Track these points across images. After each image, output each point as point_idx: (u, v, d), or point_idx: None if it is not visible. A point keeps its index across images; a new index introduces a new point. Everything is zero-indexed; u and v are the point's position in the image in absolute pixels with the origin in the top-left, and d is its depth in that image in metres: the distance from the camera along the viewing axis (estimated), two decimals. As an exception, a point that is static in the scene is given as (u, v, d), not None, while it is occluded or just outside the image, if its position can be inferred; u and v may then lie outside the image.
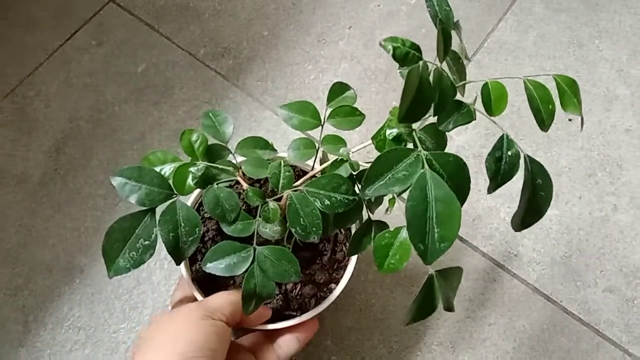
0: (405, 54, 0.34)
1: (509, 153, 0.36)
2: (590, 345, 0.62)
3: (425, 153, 0.33)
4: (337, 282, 0.51)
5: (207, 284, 0.50)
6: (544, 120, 0.37)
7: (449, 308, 0.40)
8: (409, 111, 0.32)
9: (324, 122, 0.46)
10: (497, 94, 0.38)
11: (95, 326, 0.62)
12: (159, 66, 0.76)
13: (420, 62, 0.31)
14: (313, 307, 0.50)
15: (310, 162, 0.49)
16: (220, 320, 0.44)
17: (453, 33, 0.38)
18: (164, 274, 0.64)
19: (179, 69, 0.76)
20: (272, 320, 0.49)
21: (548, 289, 0.64)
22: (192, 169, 0.42)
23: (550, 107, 0.37)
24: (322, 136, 0.46)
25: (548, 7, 0.80)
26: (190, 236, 0.40)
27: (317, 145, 0.46)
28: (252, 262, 0.42)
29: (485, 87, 0.38)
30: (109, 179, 0.68)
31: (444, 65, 0.37)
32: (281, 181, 0.42)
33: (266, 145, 0.48)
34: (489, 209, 0.67)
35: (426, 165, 0.32)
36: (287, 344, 0.49)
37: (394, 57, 0.33)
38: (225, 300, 0.45)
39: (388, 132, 0.38)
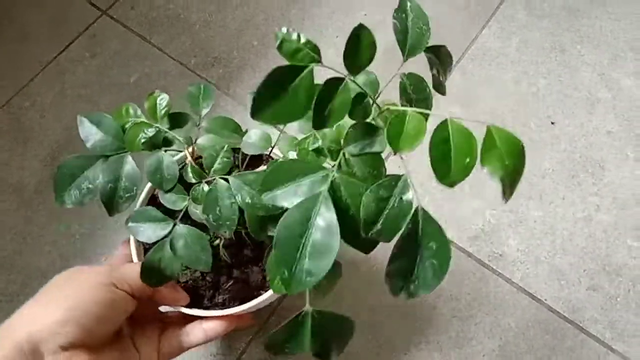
0: (295, 51, 0.31)
1: (402, 198, 0.31)
2: (575, 342, 0.63)
3: (336, 175, 0.31)
4: (266, 290, 0.49)
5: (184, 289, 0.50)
6: (448, 171, 0.30)
7: (320, 355, 0.35)
8: (315, 119, 0.29)
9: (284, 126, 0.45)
10: (410, 128, 0.32)
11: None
12: (151, 76, 0.78)
13: (311, 66, 0.29)
14: (234, 307, 0.48)
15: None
16: (124, 290, 0.43)
17: (423, 58, 0.38)
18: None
19: (171, 79, 0.77)
20: (194, 306, 0.48)
21: (532, 287, 0.66)
22: (145, 130, 0.43)
23: (468, 160, 0.30)
24: (280, 135, 0.45)
25: (531, 14, 0.82)
26: (127, 193, 0.42)
27: (273, 142, 0.45)
28: (166, 236, 0.42)
29: (397, 117, 0.32)
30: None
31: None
32: (215, 165, 0.42)
33: (236, 129, 0.47)
34: (473, 210, 0.69)
35: (325, 188, 0.30)
36: (194, 332, 0.48)
37: (280, 50, 0.31)
38: (136, 271, 0.44)
39: (311, 143, 0.38)
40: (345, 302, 0.64)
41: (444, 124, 0.30)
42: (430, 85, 0.39)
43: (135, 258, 0.49)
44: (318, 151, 0.37)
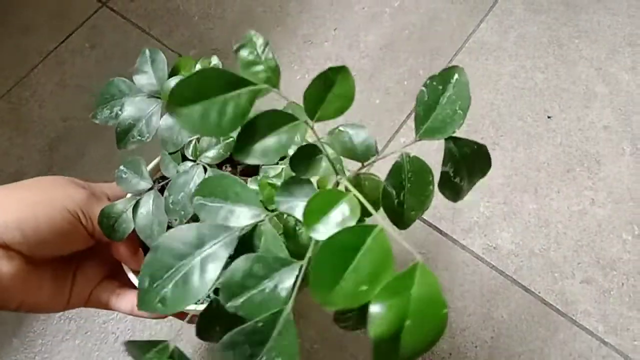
0: (250, 63, 0.28)
1: (278, 286, 0.27)
2: (568, 335, 0.63)
3: (265, 224, 0.29)
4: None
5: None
6: (328, 291, 0.23)
7: None
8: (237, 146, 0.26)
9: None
10: (314, 206, 0.26)
11: (86, 317, 0.64)
12: (150, 67, 0.78)
13: (260, 86, 0.25)
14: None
15: None
16: (85, 226, 0.41)
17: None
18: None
19: (170, 70, 0.78)
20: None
21: (526, 280, 0.66)
22: (200, 63, 0.44)
23: (364, 288, 0.23)
24: None
25: (528, 8, 0.82)
26: (139, 135, 0.43)
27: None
28: (137, 195, 0.42)
29: (323, 197, 0.26)
30: (101, 178, 0.71)
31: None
32: (210, 151, 0.41)
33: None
34: (468, 203, 0.69)
35: (244, 226, 0.28)
36: (124, 300, 0.45)
37: (235, 54, 0.28)
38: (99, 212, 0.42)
39: (275, 177, 0.36)
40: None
41: (363, 228, 0.24)
42: (436, 183, 0.32)
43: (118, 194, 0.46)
44: (275, 188, 0.34)
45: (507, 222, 0.69)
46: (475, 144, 0.31)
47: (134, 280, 0.45)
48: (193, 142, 0.42)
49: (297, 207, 0.29)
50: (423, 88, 0.30)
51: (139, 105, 0.43)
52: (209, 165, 0.41)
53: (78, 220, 0.41)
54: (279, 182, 0.34)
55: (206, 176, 0.40)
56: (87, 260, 0.45)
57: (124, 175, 0.43)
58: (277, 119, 0.26)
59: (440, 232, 0.68)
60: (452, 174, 0.31)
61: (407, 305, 0.22)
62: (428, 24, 0.79)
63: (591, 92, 0.76)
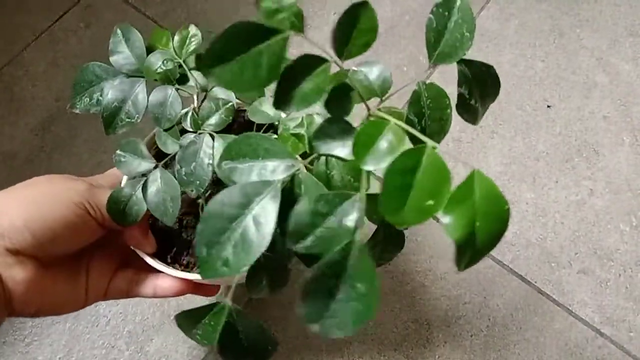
0: (274, 11, 0.28)
1: (343, 221, 0.28)
2: (564, 325, 0.63)
3: (302, 172, 0.29)
4: None
5: (163, 245, 0.47)
6: (400, 208, 0.26)
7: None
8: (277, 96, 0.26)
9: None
10: (388, 144, 0.28)
11: (77, 300, 0.63)
12: (145, 48, 0.77)
13: (288, 33, 0.25)
14: (194, 273, 0.46)
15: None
16: (94, 217, 0.41)
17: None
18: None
19: (165, 52, 0.77)
20: (159, 258, 0.45)
21: (523, 269, 0.65)
22: (165, 58, 0.42)
23: (430, 203, 0.26)
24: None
25: (530, -4, 0.81)
26: (128, 117, 0.42)
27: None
28: (144, 175, 0.41)
29: (372, 126, 0.28)
30: (93, 158, 0.70)
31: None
32: (211, 119, 0.41)
33: None
34: (466, 191, 0.69)
35: (282, 178, 0.28)
36: (145, 284, 0.45)
37: (256, 4, 0.28)
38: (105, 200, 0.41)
39: (296, 127, 0.36)
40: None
41: (417, 150, 0.25)
42: (454, 105, 0.34)
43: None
44: (299, 137, 0.35)
45: (505, 211, 0.68)
46: (484, 65, 0.33)
47: (152, 262, 0.44)
48: (190, 113, 0.41)
49: (336, 147, 0.29)
50: (430, 16, 0.32)
51: (121, 87, 0.42)
52: (215, 132, 0.40)
53: (86, 211, 0.40)
54: (302, 131, 0.34)
55: (215, 143, 0.39)
56: (98, 253, 0.45)
57: (122, 159, 0.42)
58: (311, 63, 0.26)
59: (437, 220, 0.67)
60: (467, 96, 0.33)
61: (474, 209, 0.24)
62: (429, 10, 0.77)
63: (591, 82, 0.76)
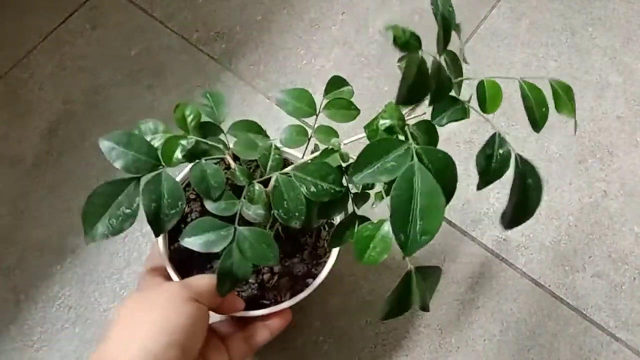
0: (405, 42, 0.33)
1: (500, 151, 0.36)
2: (578, 330, 0.62)
3: (415, 146, 0.33)
4: (314, 277, 0.50)
5: (182, 266, 0.50)
6: (536, 121, 0.38)
7: (424, 308, 0.39)
8: (406, 95, 0.32)
9: (318, 112, 0.47)
10: (492, 92, 0.38)
11: (86, 305, 0.62)
12: (152, 50, 0.76)
13: (420, 52, 0.31)
14: (288, 299, 0.50)
15: (300, 153, 0.50)
16: (204, 304, 0.43)
17: (453, 34, 0.39)
18: (154, 254, 0.65)
19: (173, 53, 0.76)
20: (245, 309, 0.49)
21: (536, 273, 0.64)
22: (182, 142, 0.42)
23: (544, 109, 0.38)
24: (316, 126, 0.46)
25: (542, -6, 0.80)
26: (172, 209, 0.40)
27: (310, 133, 0.47)
28: (232, 242, 0.42)
29: (480, 85, 0.38)
30: (102, 161, 0.69)
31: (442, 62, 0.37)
32: (270, 162, 0.43)
33: (259, 130, 0.48)
34: (478, 194, 0.68)
35: (415, 159, 0.32)
36: (258, 333, 0.49)
37: (395, 43, 0.33)
38: (208, 283, 0.44)
39: (381, 122, 0.38)
40: (345, 283, 0.63)
41: (520, 85, 0.38)
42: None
43: (173, 275, 0.48)
44: (389, 129, 0.38)
45: (518, 213, 0.67)
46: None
47: (254, 313, 0.48)
48: (233, 171, 0.43)
49: (458, 111, 0.39)
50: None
51: (147, 188, 0.40)
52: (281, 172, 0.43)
53: (202, 303, 0.43)
54: (387, 124, 0.39)
55: (298, 172, 0.42)
56: (206, 339, 0.46)
57: (199, 241, 0.43)
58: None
59: (450, 222, 0.66)
60: None
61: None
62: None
63: (604, 82, 0.75)
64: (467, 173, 0.68)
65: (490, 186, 0.67)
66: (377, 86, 0.74)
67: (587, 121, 0.72)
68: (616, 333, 0.62)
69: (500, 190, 0.68)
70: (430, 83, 0.33)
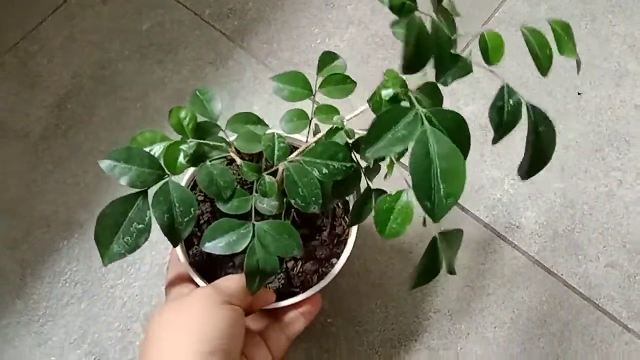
0: (401, 5, 0.32)
1: (511, 102, 0.36)
2: (590, 320, 0.61)
3: (423, 110, 0.32)
4: (338, 257, 0.50)
5: (205, 269, 0.49)
6: (542, 64, 0.38)
7: (451, 271, 0.39)
8: (410, 62, 0.31)
9: (315, 92, 0.46)
10: (494, 43, 0.38)
11: (92, 281, 0.62)
12: (164, 25, 0.75)
13: (416, 13, 0.30)
14: (316, 283, 0.49)
15: (303, 136, 0.49)
16: (238, 305, 0.43)
17: None
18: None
19: (184, 29, 0.74)
20: (276, 300, 0.48)
21: (549, 261, 0.63)
22: (183, 147, 0.41)
23: (548, 51, 0.38)
24: (315, 106, 0.45)
25: (562, -21, 0.79)
26: (185, 216, 0.39)
27: (310, 115, 0.46)
28: (252, 238, 0.41)
29: (482, 37, 0.38)
30: (111, 136, 0.68)
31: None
32: (276, 152, 0.41)
33: (257, 120, 0.47)
34: (492, 180, 0.67)
35: (426, 123, 0.31)
36: (293, 321, 0.48)
37: (391, 8, 0.32)
38: (237, 283, 0.44)
39: (384, 93, 0.37)
40: (355, 266, 0.63)
41: (522, 31, 0.38)
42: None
43: (198, 280, 0.47)
44: (393, 98, 0.37)
45: (532, 200, 0.66)
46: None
47: (285, 303, 0.48)
48: (240, 167, 0.42)
49: (463, 68, 0.37)
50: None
51: (156, 200, 0.39)
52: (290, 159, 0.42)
53: (237, 304, 0.43)
54: (390, 93, 0.38)
55: (306, 156, 0.41)
56: (245, 338, 0.45)
57: (220, 244, 0.42)
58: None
59: (463, 208, 0.65)
60: None
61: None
62: None
63: (623, 70, 0.73)
64: (482, 159, 0.67)
65: (505, 172, 0.67)
66: (392, 66, 0.72)
67: (605, 109, 0.71)
68: (628, 324, 0.61)
69: (515, 177, 0.66)
70: (431, 46, 0.32)
